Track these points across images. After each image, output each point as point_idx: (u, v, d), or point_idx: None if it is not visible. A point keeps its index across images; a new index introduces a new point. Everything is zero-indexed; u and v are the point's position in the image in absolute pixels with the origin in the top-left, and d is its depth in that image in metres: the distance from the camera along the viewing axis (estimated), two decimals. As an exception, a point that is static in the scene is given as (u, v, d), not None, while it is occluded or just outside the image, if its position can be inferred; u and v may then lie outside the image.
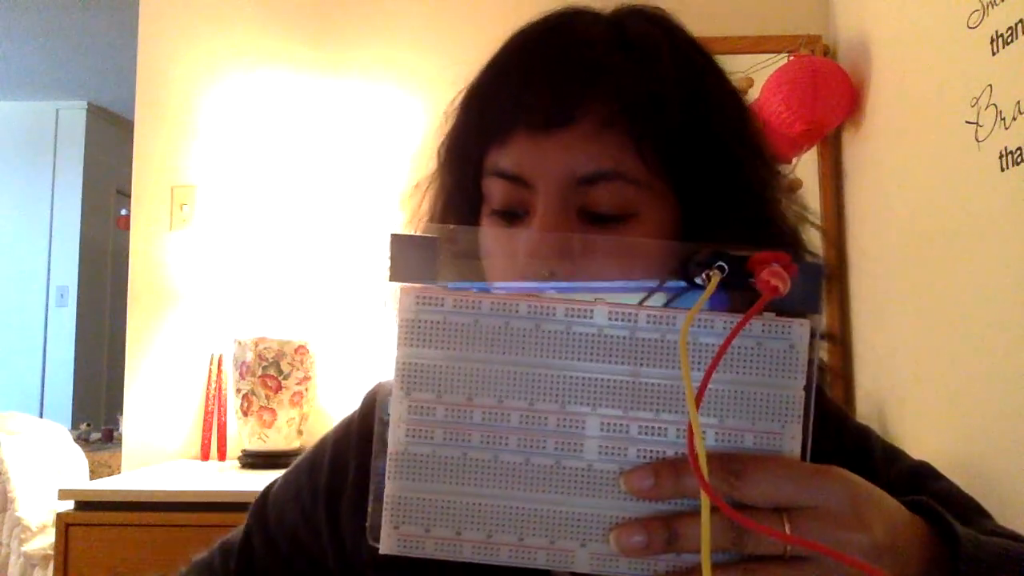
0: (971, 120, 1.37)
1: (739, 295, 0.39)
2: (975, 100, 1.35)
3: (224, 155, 2.35)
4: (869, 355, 1.92)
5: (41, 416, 4.47)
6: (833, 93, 1.92)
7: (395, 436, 0.39)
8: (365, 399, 0.72)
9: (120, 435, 3.22)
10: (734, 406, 0.38)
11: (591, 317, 0.39)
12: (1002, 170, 1.28)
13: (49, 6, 3.64)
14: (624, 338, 0.38)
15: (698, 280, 0.39)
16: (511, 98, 0.56)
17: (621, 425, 0.39)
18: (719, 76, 0.60)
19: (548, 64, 0.55)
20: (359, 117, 2.34)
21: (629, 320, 0.39)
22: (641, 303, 0.41)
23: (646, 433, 0.38)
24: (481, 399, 0.39)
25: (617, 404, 0.38)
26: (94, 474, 3.16)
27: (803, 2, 2.23)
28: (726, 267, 0.38)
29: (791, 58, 2.02)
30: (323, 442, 0.72)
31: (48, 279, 4.84)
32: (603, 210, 0.54)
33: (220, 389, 2.24)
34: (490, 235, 0.57)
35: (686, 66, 0.57)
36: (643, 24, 0.58)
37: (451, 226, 0.45)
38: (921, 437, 1.62)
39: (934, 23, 1.54)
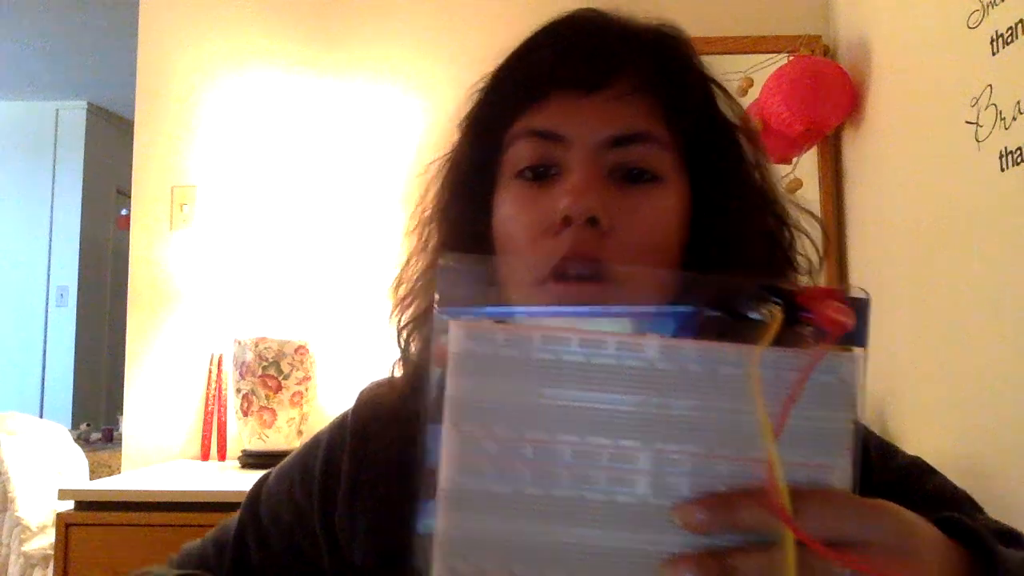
0: (971, 120, 1.37)
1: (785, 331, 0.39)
2: (975, 100, 1.35)
3: (224, 155, 2.35)
4: (869, 355, 1.91)
5: (41, 416, 4.46)
6: (833, 93, 1.92)
7: (446, 472, 0.38)
8: (359, 398, 0.71)
9: (120, 435, 3.22)
10: (786, 439, 0.38)
11: (642, 351, 0.38)
12: (1002, 170, 1.28)
13: (49, 6, 3.64)
14: (676, 372, 0.38)
15: (751, 314, 0.39)
16: (547, 65, 0.59)
17: (673, 459, 0.38)
18: (721, 88, 0.64)
19: (583, 34, 0.61)
20: (359, 117, 2.34)
21: (680, 353, 0.38)
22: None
23: (699, 467, 0.38)
24: (532, 433, 0.38)
25: (670, 438, 0.38)
26: (94, 474, 3.16)
27: (803, 2, 2.23)
28: (782, 303, 0.38)
29: (791, 58, 2.02)
30: (316, 440, 0.72)
31: (48, 279, 4.83)
32: (635, 170, 0.57)
33: (220, 389, 2.24)
34: (519, 194, 0.59)
35: (697, 57, 0.64)
36: (657, 25, 0.64)
37: (492, 256, 0.46)
38: (921, 437, 1.62)
39: (934, 23, 1.54)
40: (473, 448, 0.38)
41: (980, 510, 0.59)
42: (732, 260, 0.58)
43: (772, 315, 0.38)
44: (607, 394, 0.38)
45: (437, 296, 0.40)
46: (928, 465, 0.63)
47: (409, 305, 0.65)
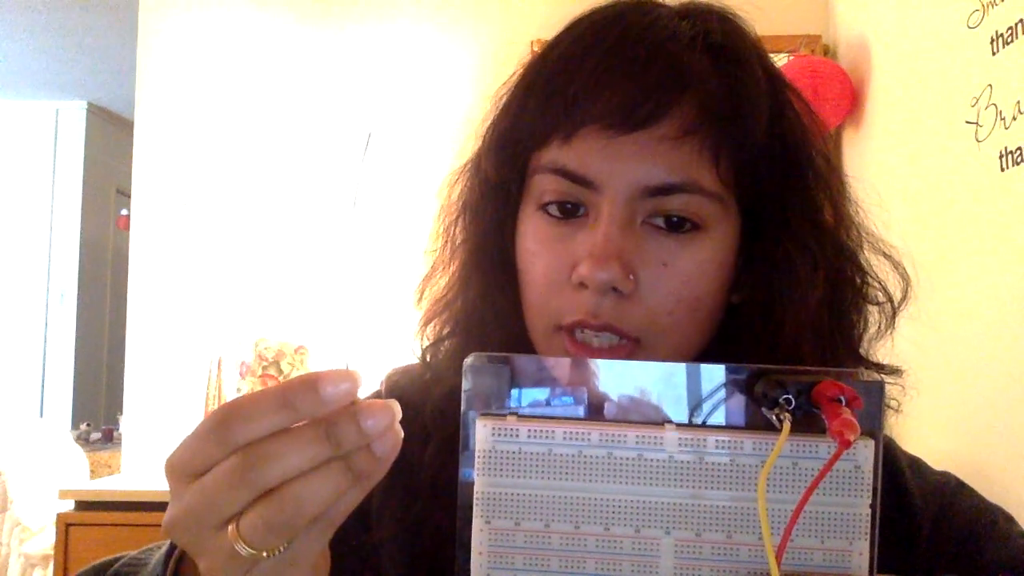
0: (971, 120, 1.37)
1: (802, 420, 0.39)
2: (975, 100, 1.35)
3: (224, 156, 2.35)
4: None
5: (41, 416, 4.47)
6: (833, 93, 1.92)
7: (477, 563, 0.40)
8: (388, 385, 0.67)
9: (120, 435, 3.22)
10: (803, 526, 0.39)
11: (661, 444, 0.40)
12: (1002, 170, 1.28)
13: (49, 6, 3.63)
14: (694, 463, 0.40)
15: (764, 411, 0.40)
16: (584, 91, 0.50)
17: (695, 547, 0.40)
18: (795, 94, 0.57)
19: (629, 58, 0.50)
20: (362, 117, 2.34)
21: (698, 445, 0.40)
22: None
23: (719, 554, 0.39)
24: (558, 525, 0.40)
25: (690, 527, 0.40)
26: (94, 474, 3.16)
27: (803, 2, 2.23)
28: (792, 400, 0.39)
29: (791, 58, 2.02)
30: None
31: (48, 279, 4.83)
32: (673, 219, 0.51)
33: (220, 389, 2.24)
34: (541, 230, 0.53)
35: (771, 81, 0.54)
36: (725, 25, 0.55)
37: (523, 356, 0.43)
38: (921, 437, 1.62)
39: (934, 23, 1.54)
40: (504, 542, 0.40)
41: (1013, 522, 0.58)
42: (780, 312, 0.52)
43: (781, 422, 0.38)
44: (629, 485, 0.40)
45: (463, 395, 0.41)
46: (958, 481, 0.61)
47: (430, 321, 0.61)
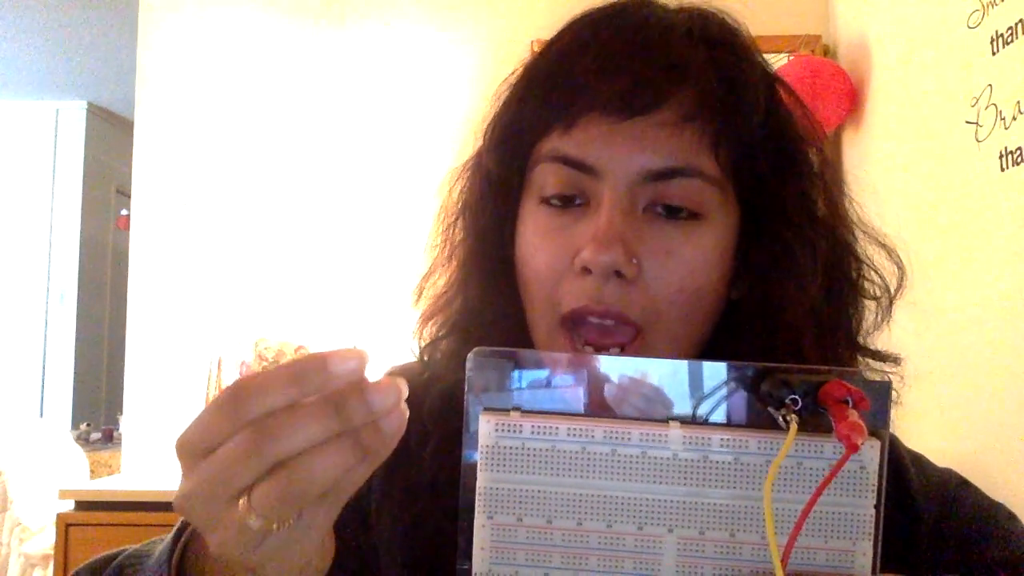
0: (971, 120, 1.37)
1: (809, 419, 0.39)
2: (975, 100, 1.36)
3: (224, 155, 2.35)
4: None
5: (41, 416, 4.47)
6: (833, 93, 1.92)
7: (479, 558, 0.40)
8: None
9: (120, 435, 3.22)
10: (807, 526, 0.39)
11: (665, 441, 0.40)
12: (1002, 170, 1.28)
13: (49, 6, 3.63)
14: (698, 461, 0.40)
15: (770, 410, 0.40)
16: (584, 80, 0.51)
17: (697, 545, 0.40)
18: (786, 89, 0.58)
19: (628, 48, 0.52)
20: (364, 116, 2.34)
21: (703, 443, 0.40)
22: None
23: (722, 553, 0.39)
24: (560, 521, 0.40)
25: (693, 525, 0.40)
26: (94, 474, 3.16)
27: (803, 2, 2.23)
28: (799, 400, 0.39)
29: (791, 58, 2.02)
30: None
31: (48, 279, 4.83)
32: (674, 206, 0.51)
33: (220, 389, 2.24)
34: (543, 223, 0.53)
35: (764, 72, 0.56)
36: (720, 22, 0.56)
37: (527, 351, 0.43)
38: (921, 437, 1.62)
39: (934, 23, 1.54)
40: (505, 538, 0.40)
41: (1015, 520, 0.58)
42: (781, 305, 0.53)
43: (788, 423, 0.38)
44: (632, 483, 0.40)
45: (466, 385, 0.41)
46: (960, 478, 0.61)
47: (429, 320, 0.62)
